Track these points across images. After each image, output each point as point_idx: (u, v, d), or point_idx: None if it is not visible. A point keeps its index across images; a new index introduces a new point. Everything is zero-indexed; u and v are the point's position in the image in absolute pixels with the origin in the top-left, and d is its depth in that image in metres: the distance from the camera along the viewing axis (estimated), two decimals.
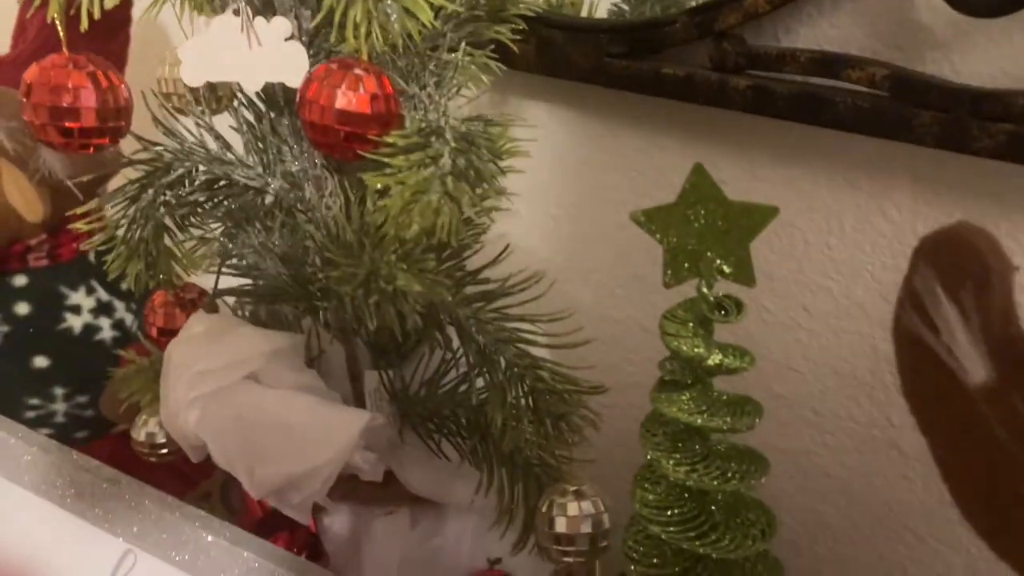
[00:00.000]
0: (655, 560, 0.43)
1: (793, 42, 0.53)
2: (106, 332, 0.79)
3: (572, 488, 0.49)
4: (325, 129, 0.40)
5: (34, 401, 0.75)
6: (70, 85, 0.40)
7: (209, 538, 0.44)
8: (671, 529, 0.41)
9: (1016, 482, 0.27)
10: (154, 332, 0.58)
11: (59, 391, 0.76)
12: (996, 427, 0.28)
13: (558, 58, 0.61)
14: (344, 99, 0.39)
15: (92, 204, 0.52)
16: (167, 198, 0.50)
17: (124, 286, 0.79)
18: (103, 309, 0.79)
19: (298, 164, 0.51)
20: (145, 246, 0.53)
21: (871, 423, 0.60)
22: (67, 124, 0.41)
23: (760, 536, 0.41)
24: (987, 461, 0.28)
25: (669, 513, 0.42)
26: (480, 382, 0.54)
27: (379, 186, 0.40)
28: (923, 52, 0.49)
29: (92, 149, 0.42)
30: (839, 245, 0.58)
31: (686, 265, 0.39)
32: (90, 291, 0.78)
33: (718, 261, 0.37)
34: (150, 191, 0.49)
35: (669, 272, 0.39)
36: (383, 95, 0.40)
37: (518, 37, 0.50)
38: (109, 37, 0.76)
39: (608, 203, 0.68)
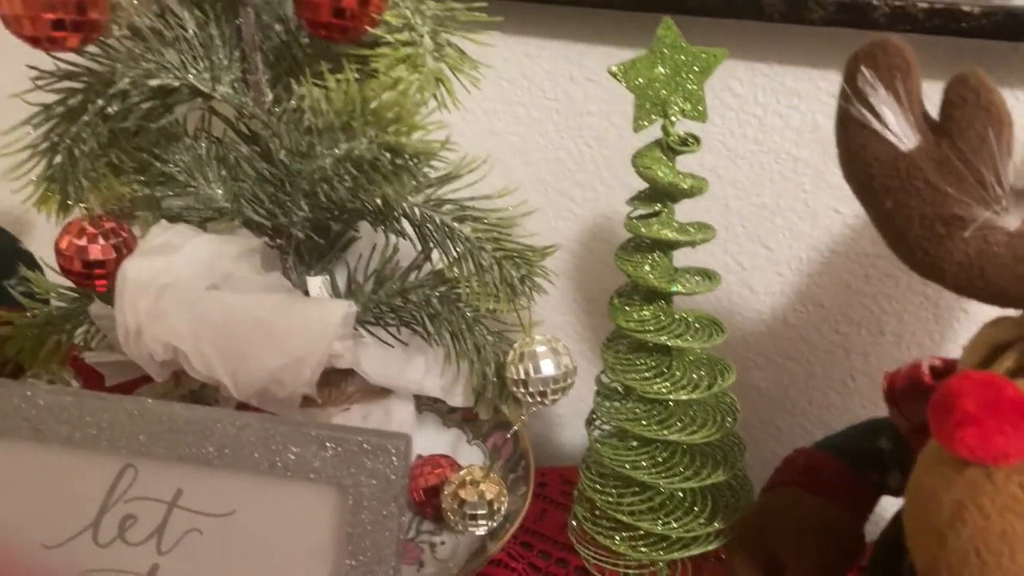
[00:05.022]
0: (630, 361, 0.52)
1: None
2: None
3: (537, 338, 0.56)
4: (331, 8, 0.42)
5: None
6: None
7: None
8: (648, 330, 0.49)
9: (947, 210, 0.39)
10: (77, 265, 0.55)
11: None
12: (929, 175, 0.39)
13: None
14: None
15: (12, 127, 0.49)
16: (111, 111, 0.48)
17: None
18: None
19: (235, 72, 0.52)
20: (72, 170, 0.51)
21: (727, 270, 0.73)
22: (42, 15, 0.39)
23: (713, 335, 0.51)
24: (923, 202, 0.39)
25: (643, 320, 0.50)
26: (428, 266, 0.59)
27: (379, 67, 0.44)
28: None
29: (68, 43, 0.41)
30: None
31: (650, 108, 0.47)
32: None
33: (679, 101, 0.46)
34: (95, 104, 0.48)
35: (637, 117, 0.47)
36: None
37: None
38: None
39: (482, 112, 0.75)
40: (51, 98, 0.50)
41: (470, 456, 0.72)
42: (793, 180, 0.68)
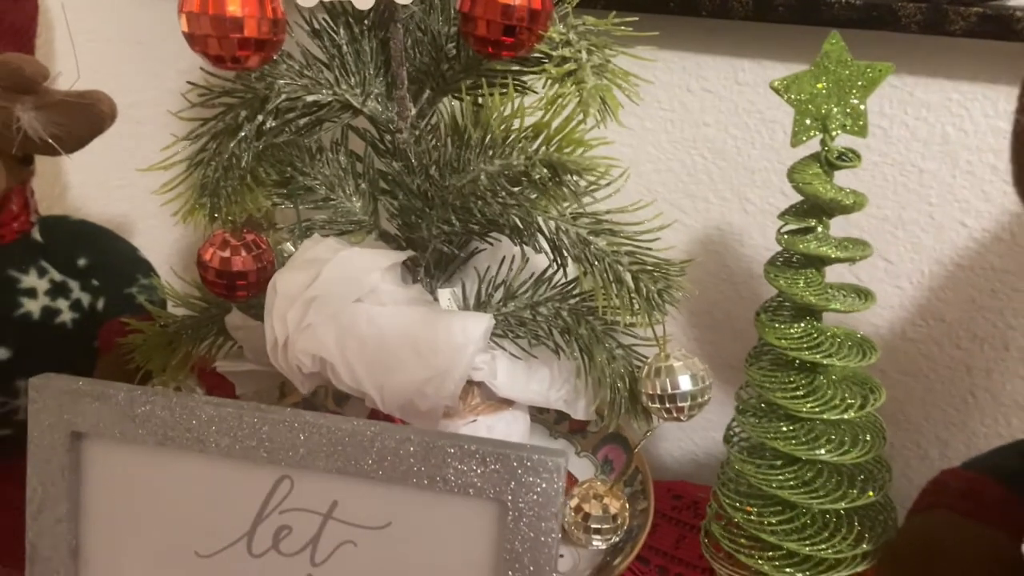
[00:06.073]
0: (777, 379, 0.51)
1: None
2: (66, 314, 0.72)
3: (673, 353, 0.56)
4: (501, 26, 0.43)
5: None
6: None
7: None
8: (803, 347, 0.49)
9: None
10: (211, 275, 0.56)
11: (22, 384, 0.70)
12: None
13: None
14: None
15: (174, 141, 0.50)
16: (268, 126, 0.49)
17: (82, 262, 0.74)
18: (59, 290, 0.72)
19: (379, 88, 0.52)
20: (225, 183, 0.52)
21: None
22: (230, 35, 0.40)
23: (867, 355, 0.50)
24: None
25: (795, 337, 0.50)
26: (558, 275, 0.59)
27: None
28: None
29: (248, 62, 0.41)
30: None
31: (810, 123, 0.46)
32: (42, 272, 0.72)
33: (841, 116, 0.45)
34: (255, 120, 0.49)
35: (797, 132, 0.47)
36: None
37: None
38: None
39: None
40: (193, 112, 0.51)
41: (580, 468, 0.72)
42: (918, 192, 0.67)
